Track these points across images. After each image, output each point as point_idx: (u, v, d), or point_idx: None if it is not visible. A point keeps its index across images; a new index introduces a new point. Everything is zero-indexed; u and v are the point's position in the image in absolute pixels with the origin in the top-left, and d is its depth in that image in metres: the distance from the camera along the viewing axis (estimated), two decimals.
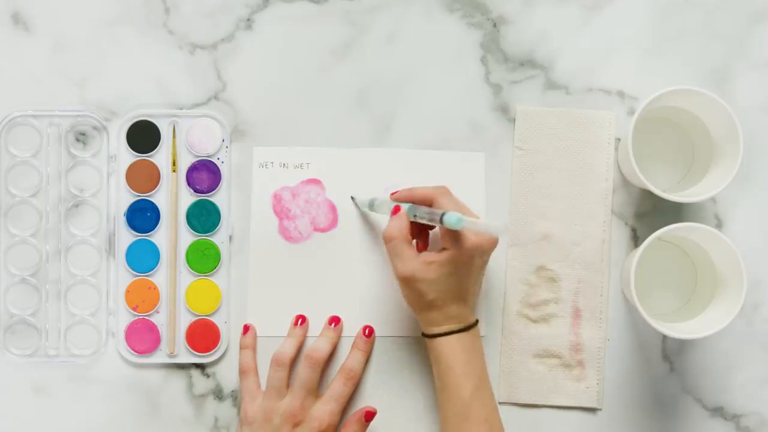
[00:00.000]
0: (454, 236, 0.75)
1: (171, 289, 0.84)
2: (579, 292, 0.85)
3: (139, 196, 0.85)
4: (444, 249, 0.76)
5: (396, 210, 0.78)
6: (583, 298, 0.85)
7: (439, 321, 0.78)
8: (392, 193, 0.82)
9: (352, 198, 0.85)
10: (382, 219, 0.84)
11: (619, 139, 0.86)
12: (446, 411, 0.78)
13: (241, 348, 0.84)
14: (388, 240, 0.77)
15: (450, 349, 0.77)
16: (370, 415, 0.81)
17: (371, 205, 0.83)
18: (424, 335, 0.79)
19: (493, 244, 0.77)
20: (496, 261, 0.85)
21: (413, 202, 0.78)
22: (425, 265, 0.76)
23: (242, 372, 0.83)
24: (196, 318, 0.85)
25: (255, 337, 0.84)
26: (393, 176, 0.85)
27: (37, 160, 0.84)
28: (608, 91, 0.86)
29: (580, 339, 0.85)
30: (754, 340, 0.85)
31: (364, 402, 0.84)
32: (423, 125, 0.86)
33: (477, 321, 0.79)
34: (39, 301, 0.84)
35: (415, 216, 0.77)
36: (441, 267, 0.76)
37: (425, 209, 0.76)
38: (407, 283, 0.76)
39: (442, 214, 0.72)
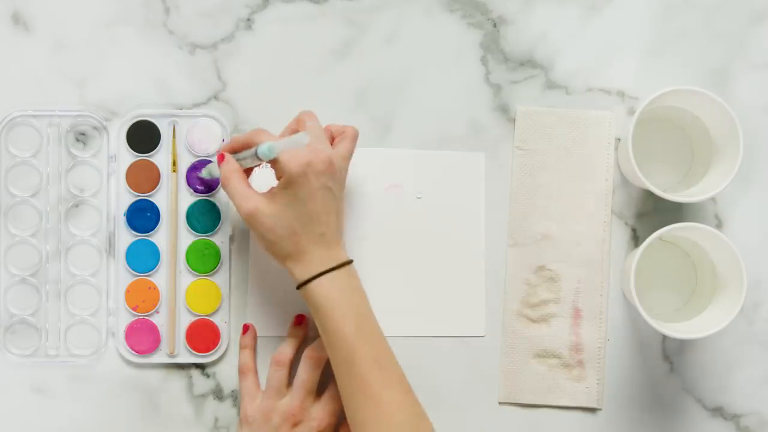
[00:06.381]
0: (282, 163, 0.74)
1: (171, 289, 0.84)
2: (579, 292, 0.85)
3: (139, 196, 0.84)
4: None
5: (221, 158, 0.78)
6: (583, 298, 0.85)
7: (308, 266, 0.75)
8: (216, 151, 0.82)
9: (199, 177, 0.84)
10: (384, 219, 0.84)
11: (619, 139, 0.86)
12: (334, 360, 0.75)
13: (241, 348, 0.84)
14: (225, 184, 0.76)
15: (323, 292, 0.75)
16: None
17: (210, 173, 0.83)
18: (298, 288, 0.76)
19: (323, 162, 0.74)
20: (496, 261, 0.85)
21: (235, 152, 0.78)
22: (267, 197, 0.75)
23: (242, 372, 0.83)
24: (196, 318, 0.85)
25: (255, 337, 0.84)
26: (393, 176, 0.85)
27: (37, 160, 0.84)
28: (608, 91, 0.86)
29: (580, 339, 0.85)
30: (754, 340, 0.85)
31: None
32: (423, 125, 0.86)
33: (351, 260, 0.77)
34: (39, 301, 0.84)
35: (239, 161, 0.77)
36: (281, 196, 0.74)
37: (245, 151, 0.76)
38: (253, 219, 0.74)
39: (256, 149, 0.73)
